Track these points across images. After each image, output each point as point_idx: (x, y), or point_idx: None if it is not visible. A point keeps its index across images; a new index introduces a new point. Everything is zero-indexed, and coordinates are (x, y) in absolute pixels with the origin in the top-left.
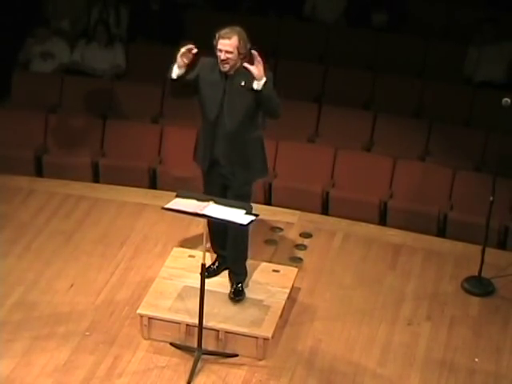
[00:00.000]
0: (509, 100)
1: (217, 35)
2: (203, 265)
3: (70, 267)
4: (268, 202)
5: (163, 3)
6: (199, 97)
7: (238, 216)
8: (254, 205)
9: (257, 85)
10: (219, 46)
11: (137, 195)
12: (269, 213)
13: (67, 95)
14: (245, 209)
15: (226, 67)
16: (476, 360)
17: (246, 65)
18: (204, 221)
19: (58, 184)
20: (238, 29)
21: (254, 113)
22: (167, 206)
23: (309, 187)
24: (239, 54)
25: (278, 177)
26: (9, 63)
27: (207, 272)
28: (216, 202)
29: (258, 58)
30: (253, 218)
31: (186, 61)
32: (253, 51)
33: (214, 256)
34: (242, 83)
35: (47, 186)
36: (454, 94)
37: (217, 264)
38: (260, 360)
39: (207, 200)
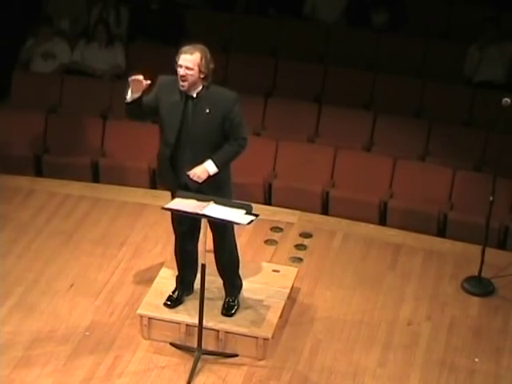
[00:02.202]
0: (509, 100)
1: (180, 50)
2: (203, 265)
3: (70, 267)
4: (268, 202)
5: (163, 3)
6: (160, 118)
7: (238, 216)
8: (253, 205)
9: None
10: (180, 62)
11: (137, 195)
12: (269, 213)
13: (67, 95)
14: (245, 209)
15: (185, 85)
16: (476, 360)
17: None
18: (204, 220)
19: (58, 184)
20: (201, 46)
21: (219, 141)
22: (167, 206)
23: (309, 187)
24: (200, 72)
25: (278, 177)
26: (9, 63)
27: (170, 301)
28: (216, 202)
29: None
30: (253, 217)
31: (140, 89)
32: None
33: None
34: (207, 110)
35: (47, 186)
36: (454, 94)
37: (177, 292)
38: (260, 360)
39: (207, 200)
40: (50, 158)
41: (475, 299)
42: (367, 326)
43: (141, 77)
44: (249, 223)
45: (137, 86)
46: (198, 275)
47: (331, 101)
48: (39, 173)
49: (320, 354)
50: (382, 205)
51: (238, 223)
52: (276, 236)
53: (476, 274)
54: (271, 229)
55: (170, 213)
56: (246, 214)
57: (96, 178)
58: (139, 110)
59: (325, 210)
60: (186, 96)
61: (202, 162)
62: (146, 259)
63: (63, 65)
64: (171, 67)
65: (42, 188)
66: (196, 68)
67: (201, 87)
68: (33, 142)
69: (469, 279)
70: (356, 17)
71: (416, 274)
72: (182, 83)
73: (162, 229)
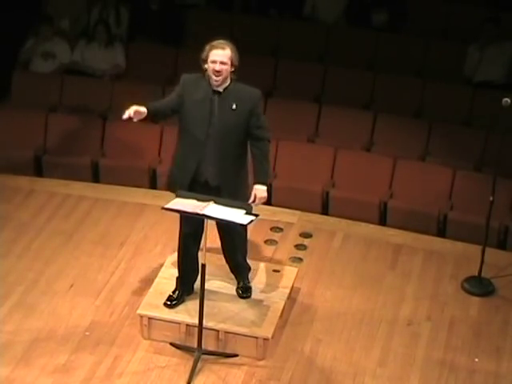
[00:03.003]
0: (509, 100)
1: (208, 47)
2: (203, 265)
3: (70, 267)
4: (268, 202)
5: (163, 3)
6: (183, 116)
7: (238, 216)
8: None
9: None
10: (213, 57)
11: (137, 195)
12: (269, 213)
13: (67, 95)
14: (245, 209)
15: (219, 79)
16: (476, 360)
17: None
18: (207, 221)
19: (58, 184)
20: (227, 41)
21: (245, 137)
22: (167, 206)
23: (309, 187)
24: (232, 65)
25: (278, 177)
26: (9, 63)
27: (170, 301)
28: (216, 202)
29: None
30: (253, 217)
31: (141, 113)
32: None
33: (215, 257)
34: (234, 106)
35: (47, 186)
36: (454, 94)
37: (177, 292)
38: (260, 360)
39: (207, 200)
40: (49, 158)
41: (475, 299)
42: (367, 325)
43: (132, 110)
44: (249, 223)
45: (137, 115)
46: (198, 276)
47: (331, 101)
48: (39, 173)
49: (320, 353)
50: (382, 205)
51: (238, 223)
52: (276, 236)
53: (476, 274)
54: (271, 229)
55: (170, 213)
56: (246, 214)
57: (96, 178)
58: (155, 117)
59: (325, 210)
60: (213, 92)
61: (228, 155)
62: (145, 259)
63: (63, 65)
64: (171, 67)
65: (41, 188)
66: (229, 62)
67: (228, 82)
68: (33, 141)
69: (469, 279)
70: (356, 17)
71: (416, 273)
72: (216, 78)
73: (162, 229)
